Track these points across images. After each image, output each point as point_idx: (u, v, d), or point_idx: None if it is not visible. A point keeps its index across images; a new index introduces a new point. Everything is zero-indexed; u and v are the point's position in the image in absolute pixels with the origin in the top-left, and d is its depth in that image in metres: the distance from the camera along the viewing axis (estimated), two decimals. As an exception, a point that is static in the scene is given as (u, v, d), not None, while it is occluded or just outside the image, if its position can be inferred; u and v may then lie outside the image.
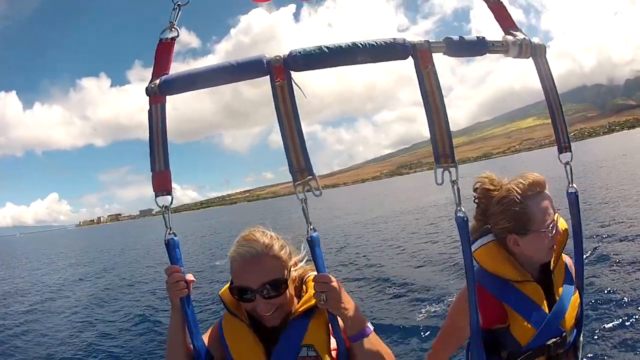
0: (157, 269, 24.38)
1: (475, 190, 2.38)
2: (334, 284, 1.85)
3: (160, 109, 2.02)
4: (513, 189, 2.22)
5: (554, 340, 2.17)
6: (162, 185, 1.97)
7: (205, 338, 2.12)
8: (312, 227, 1.82)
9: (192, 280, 2.00)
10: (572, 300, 2.25)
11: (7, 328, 14.71)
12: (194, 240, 41.70)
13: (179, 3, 2.06)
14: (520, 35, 2.01)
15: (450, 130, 1.85)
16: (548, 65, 2.09)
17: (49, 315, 15.95)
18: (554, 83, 2.10)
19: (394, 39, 1.84)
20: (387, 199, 61.48)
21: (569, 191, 2.19)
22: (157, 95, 2.01)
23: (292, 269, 2.10)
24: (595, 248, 11.27)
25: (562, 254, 2.36)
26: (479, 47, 1.93)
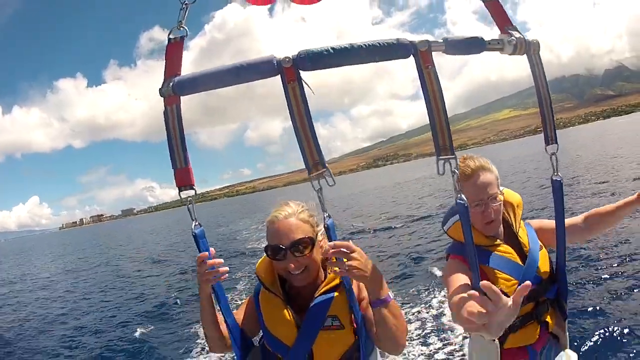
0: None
1: None
2: (356, 254, 1.95)
3: (176, 110, 2.08)
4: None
5: (535, 285, 2.40)
6: (184, 181, 2.06)
7: (241, 310, 2.41)
8: (327, 214, 1.96)
9: (221, 262, 2.13)
10: (541, 255, 2.55)
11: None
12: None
13: (185, 2, 2.08)
14: (515, 34, 2.08)
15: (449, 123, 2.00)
16: (541, 62, 2.16)
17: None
18: (545, 79, 2.18)
19: (397, 39, 1.91)
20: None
21: (554, 179, 2.34)
22: (171, 96, 2.06)
23: (319, 234, 2.31)
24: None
25: (528, 221, 2.78)
26: (476, 45, 2.01)
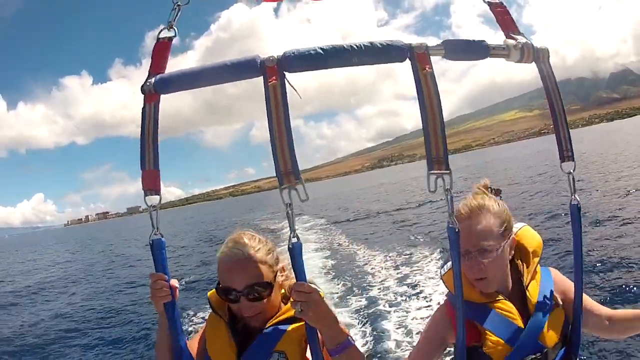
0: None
1: None
2: (313, 295, 1.75)
3: (154, 108, 1.97)
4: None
5: (532, 357, 2.04)
6: (150, 184, 1.92)
7: (196, 339, 2.17)
8: (294, 234, 1.69)
9: (176, 287, 1.96)
10: (551, 315, 2.10)
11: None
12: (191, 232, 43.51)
13: (178, 3, 2.01)
14: (522, 39, 1.88)
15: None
16: (552, 70, 1.94)
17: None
18: (557, 89, 1.94)
19: (392, 40, 1.74)
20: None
21: (572, 203, 1.99)
22: (152, 93, 1.96)
23: (278, 274, 2.08)
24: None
25: (547, 268, 2.30)
26: (479, 51, 1.82)
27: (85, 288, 20.02)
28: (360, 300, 10.12)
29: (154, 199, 1.90)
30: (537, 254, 2.23)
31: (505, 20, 1.97)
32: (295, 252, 1.71)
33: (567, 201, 2.04)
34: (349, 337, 1.87)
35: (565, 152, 1.96)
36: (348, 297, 10.57)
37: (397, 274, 11.88)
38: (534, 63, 1.92)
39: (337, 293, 11.07)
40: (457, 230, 1.72)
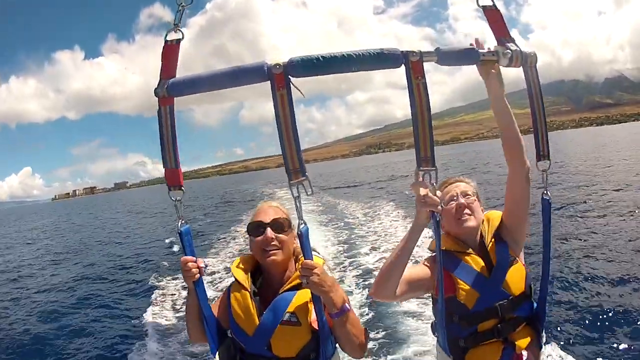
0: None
1: None
2: (317, 270, 2.07)
3: (169, 111, 2.09)
4: None
5: (500, 302, 2.35)
6: (174, 181, 2.14)
7: (217, 303, 2.50)
8: (302, 221, 1.97)
9: (202, 267, 2.29)
10: (512, 269, 2.42)
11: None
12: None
13: (182, 4, 2.06)
14: (512, 46, 2.00)
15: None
16: (537, 75, 2.07)
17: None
18: (541, 93, 2.09)
19: (387, 48, 1.87)
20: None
21: (543, 197, 2.25)
22: (165, 97, 2.07)
23: (292, 231, 2.43)
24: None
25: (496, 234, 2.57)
26: (470, 57, 1.95)
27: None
28: (339, 227, 16.02)
29: (177, 194, 2.15)
30: (496, 222, 2.58)
31: (497, 26, 2.09)
32: (303, 235, 2.01)
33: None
34: (346, 304, 2.21)
35: (542, 153, 2.17)
36: (332, 225, 16.46)
37: (366, 215, 18.31)
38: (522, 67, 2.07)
39: (324, 223, 16.86)
40: (437, 219, 2.06)
